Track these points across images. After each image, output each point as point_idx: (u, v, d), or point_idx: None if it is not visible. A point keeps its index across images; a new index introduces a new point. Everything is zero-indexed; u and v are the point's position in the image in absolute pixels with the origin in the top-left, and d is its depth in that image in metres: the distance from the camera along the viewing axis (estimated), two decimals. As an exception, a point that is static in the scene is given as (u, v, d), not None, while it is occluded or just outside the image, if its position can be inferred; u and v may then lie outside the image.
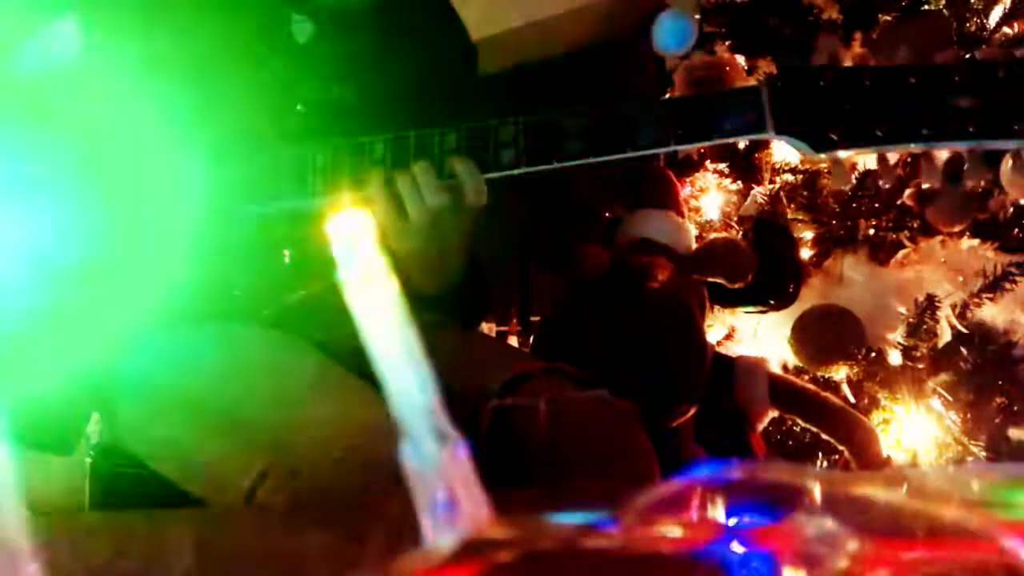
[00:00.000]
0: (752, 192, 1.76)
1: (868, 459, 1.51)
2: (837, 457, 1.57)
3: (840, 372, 1.59)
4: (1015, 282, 1.47)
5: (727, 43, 1.74)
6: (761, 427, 1.64)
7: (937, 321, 1.49)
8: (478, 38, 1.33)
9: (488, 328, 1.94)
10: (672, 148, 0.95)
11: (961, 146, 0.86)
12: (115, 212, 1.00)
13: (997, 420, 1.48)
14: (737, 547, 0.34)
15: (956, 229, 1.55)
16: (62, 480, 1.07)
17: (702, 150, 1.78)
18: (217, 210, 1.01)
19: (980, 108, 0.83)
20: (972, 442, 1.45)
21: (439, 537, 0.33)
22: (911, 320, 1.50)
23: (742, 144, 1.75)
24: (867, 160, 1.53)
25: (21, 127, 0.99)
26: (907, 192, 1.58)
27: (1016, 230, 1.54)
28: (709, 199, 1.83)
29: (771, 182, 1.73)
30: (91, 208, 0.99)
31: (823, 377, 1.62)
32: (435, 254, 0.99)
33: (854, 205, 1.65)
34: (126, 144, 0.99)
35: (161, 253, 1.01)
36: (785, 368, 1.71)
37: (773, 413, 1.64)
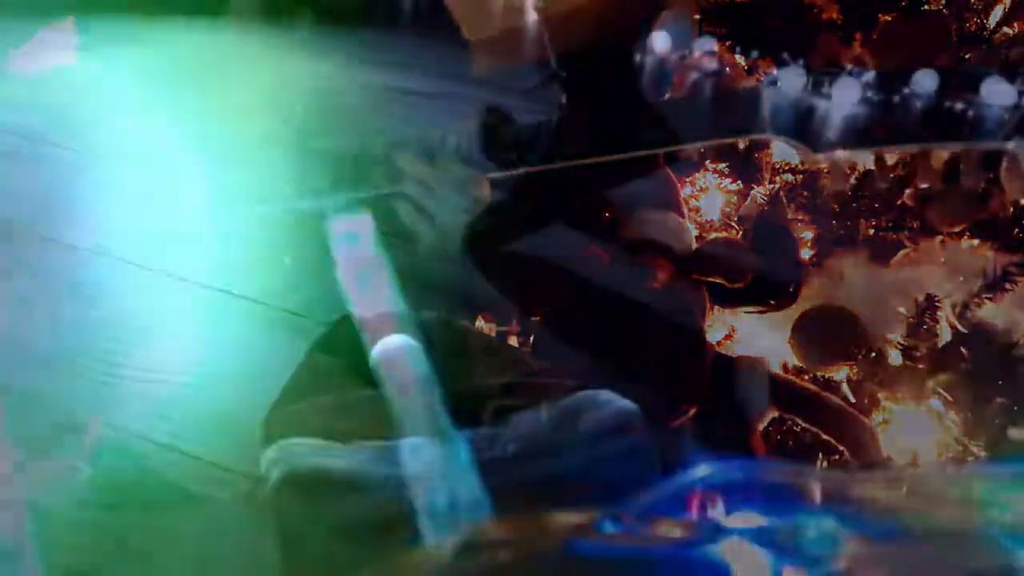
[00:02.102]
0: (752, 192, 1.76)
1: (868, 459, 1.51)
2: (837, 457, 1.57)
3: (840, 372, 1.59)
4: (1015, 282, 1.47)
5: (727, 43, 1.74)
6: (761, 427, 1.64)
7: (937, 321, 1.50)
8: (474, 39, 1.33)
9: (488, 328, 1.94)
10: (672, 148, 0.95)
11: (960, 147, 0.86)
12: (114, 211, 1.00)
13: (997, 420, 1.48)
14: (736, 546, 0.34)
15: (956, 229, 1.56)
16: (63, 480, 1.07)
17: (702, 150, 1.78)
18: (221, 209, 1.01)
19: (979, 108, 0.83)
20: (972, 442, 1.45)
21: (439, 537, 0.33)
22: (911, 320, 1.50)
23: (742, 144, 1.75)
24: (867, 160, 1.53)
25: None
26: (907, 192, 1.58)
27: (1016, 230, 1.54)
28: (709, 199, 1.83)
29: (771, 182, 1.74)
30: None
31: (823, 377, 1.63)
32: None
33: (854, 205, 1.65)
34: (130, 144, 0.99)
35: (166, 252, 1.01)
36: (785, 368, 1.71)
37: (773, 413, 1.64)
